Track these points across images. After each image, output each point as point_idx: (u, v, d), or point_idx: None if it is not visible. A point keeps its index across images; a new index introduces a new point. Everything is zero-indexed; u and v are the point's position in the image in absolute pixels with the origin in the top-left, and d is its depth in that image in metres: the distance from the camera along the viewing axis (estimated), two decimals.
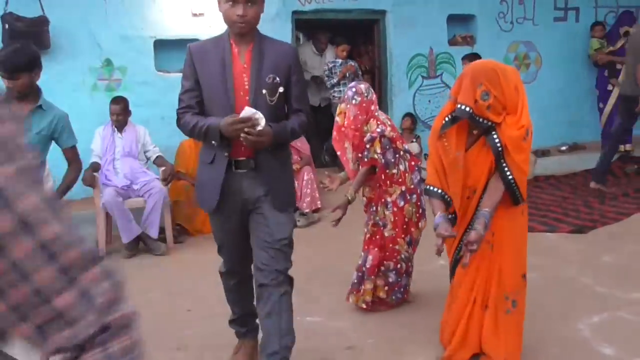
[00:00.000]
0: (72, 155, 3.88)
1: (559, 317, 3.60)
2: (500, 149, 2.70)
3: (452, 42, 8.05)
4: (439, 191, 2.90)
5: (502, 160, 2.71)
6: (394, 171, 3.68)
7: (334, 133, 3.80)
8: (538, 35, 8.32)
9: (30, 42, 3.76)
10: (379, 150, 3.62)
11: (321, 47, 7.65)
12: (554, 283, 4.17)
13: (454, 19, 8.00)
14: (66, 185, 3.92)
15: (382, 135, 3.62)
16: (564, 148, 8.17)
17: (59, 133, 3.71)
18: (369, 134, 3.65)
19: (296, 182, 6.31)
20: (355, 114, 3.67)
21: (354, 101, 3.68)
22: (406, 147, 3.81)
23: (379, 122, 3.68)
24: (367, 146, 3.65)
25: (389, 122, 3.77)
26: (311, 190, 6.32)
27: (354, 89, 3.73)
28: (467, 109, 2.66)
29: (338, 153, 3.82)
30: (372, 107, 3.73)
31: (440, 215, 2.83)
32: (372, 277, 3.75)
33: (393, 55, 7.72)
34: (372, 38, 8.04)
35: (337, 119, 3.78)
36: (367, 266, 3.75)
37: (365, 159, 3.68)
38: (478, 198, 2.81)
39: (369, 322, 3.71)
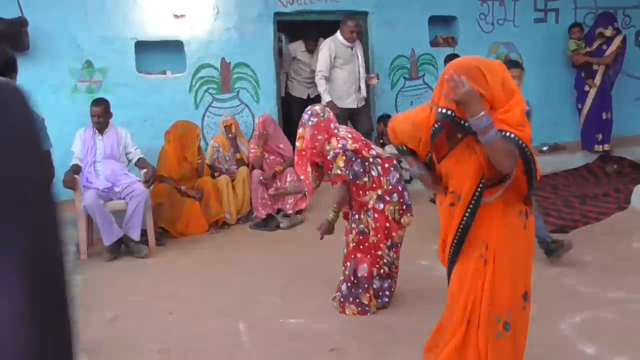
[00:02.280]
0: None
1: (542, 317, 3.61)
2: (516, 138, 2.35)
3: (433, 43, 8.08)
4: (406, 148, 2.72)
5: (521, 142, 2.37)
6: (365, 179, 3.78)
7: (296, 158, 3.94)
8: (518, 36, 8.38)
9: (5, 45, 3.71)
10: (341, 165, 3.73)
11: (309, 49, 7.59)
12: (536, 283, 4.15)
13: (435, 20, 8.04)
14: None
15: (344, 150, 3.74)
16: (545, 148, 8.23)
17: None
18: (332, 152, 3.77)
19: (279, 184, 6.34)
20: (313, 135, 3.82)
21: (310, 123, 3.85)
22: (374, 152, 3.87)
23: (338, 138, 3.81)
24: (332, 164, 3.76)
25: (350, 135, 3.88)
26: (281, 199, 6.32)
27: (309, 112, 3.91)
28: (449, 112, 2.35)
29: (301, 177, 3.94)
30: (332, 125, 3.88)
31: (414, 165, 2.70)
32: (371, 281, 3.80)
33: (375, 56, 7.74)
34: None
35: (297, 144, 3.91)
36: (360, 275, 3.77)
37: (333, 176, 3.79)
38: (463, 206, 2.48)
39: (352, 324, 3.71)
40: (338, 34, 6.89)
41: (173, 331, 3.69)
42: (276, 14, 7.26)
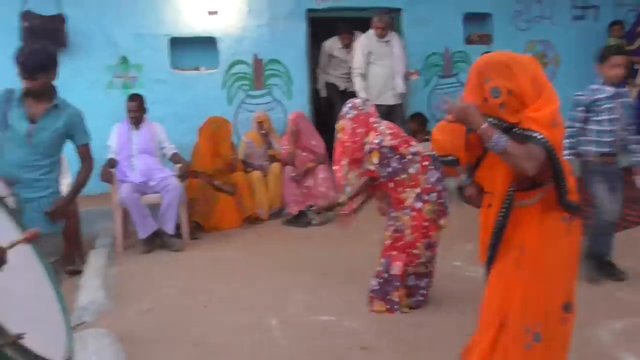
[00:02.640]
0: (85, 153, 3.92)
1: (578, 323, 3.52)
2: (542, 140, 2.21)
3: (468, 40, 8.01)
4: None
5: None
6: (404, 176, 3.72)
7: (338, 149, 3.87)
8: (556, 34, 8.26)
9: (49, 42, 3.80)
10: (375, 161, 3.70)
11: (345, 44, 7.53)
12: None
13: (470, 18, 7.97)
14: (80, 184, 3.98)
15: (380, 146, 3.70)
16: None
17: (74, 131, 3.75)
18: (368, 146, 3.74)
19: (311, 181, 6.35)
20: (352, 127, 3.79)
21: (349, 115, 3.82)
22: (414, 149, 3.77)
23: (377, 134, 3.76)
24: (364, 158, 3.74)
25: (390, 131, 3.80)
26: (326, 189, 6.33)
27: (349, 104, 3.87)
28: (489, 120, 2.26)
29: (334, 168, 3.88)
30: (371, 120, 3.82)
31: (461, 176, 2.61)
32: (403, 280, 3.78)
33: (408, 53, 7.69)
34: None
35: (339, 135, 3.86)
36: (393, 273, 3.75)
37: (364, 171, 3.77)
38: (497, 208, 2.40)
39: (383, 322, 3.70)
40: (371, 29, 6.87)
41: (207, 324, 3.73)
42: (308, 10, 7.28)
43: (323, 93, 7.87)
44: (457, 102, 2.30)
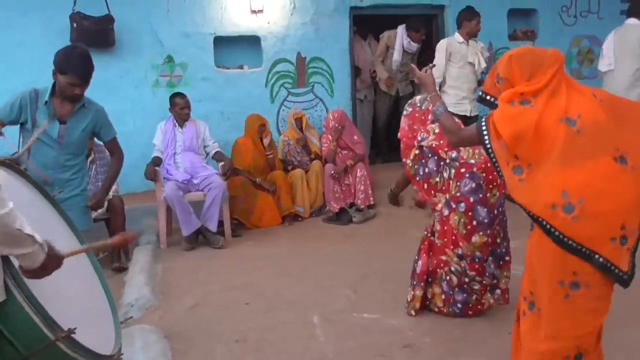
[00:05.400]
0: (114, 147, 4.04)
1: (625, 323, 3.46)
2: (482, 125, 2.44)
3: (512, 36, 7.88)
4: None
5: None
6: (437, 179, 3.60)
7: (402, 145, 3.86)
8: (603, 29, 7.98)
9: (84, 45, 3.90)
10: (411, 158, 3.67)
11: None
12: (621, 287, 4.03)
13: (514, 13, 7.84)
14: (114, 176, 4.13)
15: (419, 144, 3.62)
16: None
17: (100, 127, 3.86)
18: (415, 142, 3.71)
19: (350, 178, 6.36)
20: (409, 124, 3.76)
21: (405, 112, 3.81)
22: (455, 154, 3.55)
23: (423, 131, 3.66)
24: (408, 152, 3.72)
25: (437, 130, 3.60)
26: (365, 187, 6.33)
27: (410, 102, 3.84)
28: (481, 94, 2.65)
29: (404, 161, 3.85)
30: (430, 117, 3.67)
31: None
32: (422, 283, 3.70)
33: None
34: (430, 33, 7.94)
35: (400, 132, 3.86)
36: (417, 272, 3.73)
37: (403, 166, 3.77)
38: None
39: (426, 320, 3.68)
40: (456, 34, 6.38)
41: (249, 321, 3.78)
42: (352, 8, 7.27)
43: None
44: (423, 70, 3.05)
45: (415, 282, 3.73)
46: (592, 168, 2.21)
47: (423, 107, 3.74)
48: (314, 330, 3.62)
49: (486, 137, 2.40)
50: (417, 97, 3.85)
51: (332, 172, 6.30)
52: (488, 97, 2.60)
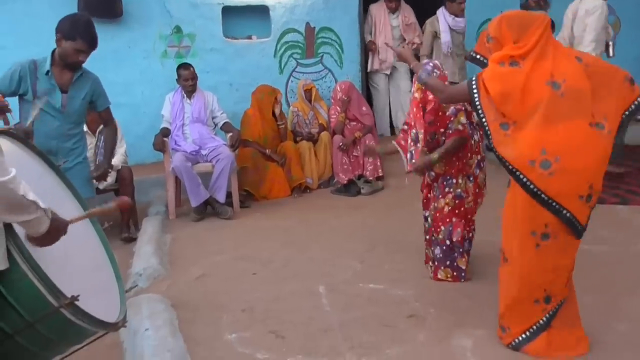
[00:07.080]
0: (109, 117, 4.06)
1: (628, 293, 3.48)
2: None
3: (524, 6, 7.73)
4: None
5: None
6: (472, 142, 3.71)
7: (413, 109, 3.68)
8: None
9: (85, 12, 3.90)
10: (463, 121, 3.65)
11: (392, 7, 7.31)
12: (624, 257, 4.03)
13: None
14: (112, 146, 4.18)
15: (465, 107, 3.66)
16: None
17: (97, 96, 3.85)
18: (452, 107, 3.65)
19: (359, 150, 6.34)
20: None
21: (434, 74, 3.50)
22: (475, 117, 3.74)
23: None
24: (452, 118, 3.66)
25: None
26: (373, 159, 6.31)
27: (431, 64, 3.62)
28: (472, 53, 2.90)
29: (405, 127, 3.83)
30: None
31: None
32: (464, 246, 3.78)
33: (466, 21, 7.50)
34: (436, 4, 7.78)
35: (415, 95, 3.65)
36: (455, 239, 3.74)
37: (450, 131, 3.67)
38: None
39: (432, 291, 3.69)
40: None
41: (256, 291, 3.80)
42: None
43: None
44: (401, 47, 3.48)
45: (461, 249, 3.76)
46: (570, 129, 2.50)
47: (445, 72, 3.75)
48: (320, 300, 3.64)
49: (476, 94, 2.65)
50: (437, 61, 3.92)
51: (341, 143, 6.28)
52: (478, 57, 2.88)
